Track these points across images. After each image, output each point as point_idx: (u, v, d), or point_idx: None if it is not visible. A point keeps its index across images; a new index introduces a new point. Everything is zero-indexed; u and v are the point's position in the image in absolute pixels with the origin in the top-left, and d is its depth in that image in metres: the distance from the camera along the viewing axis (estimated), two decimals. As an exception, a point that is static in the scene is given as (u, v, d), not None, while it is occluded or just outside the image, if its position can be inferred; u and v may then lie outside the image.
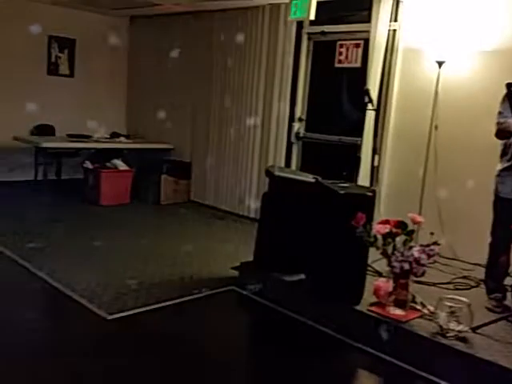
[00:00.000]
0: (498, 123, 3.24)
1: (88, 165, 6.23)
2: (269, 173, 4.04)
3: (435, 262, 4.10)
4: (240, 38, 6.08)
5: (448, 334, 2.87)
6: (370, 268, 3.79)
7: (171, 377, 2.74)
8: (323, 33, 5.57)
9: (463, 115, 4.43)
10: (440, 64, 4.44)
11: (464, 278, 3.97)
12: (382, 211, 4.86)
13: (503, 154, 3.37)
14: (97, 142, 6.53)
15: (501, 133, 3.24)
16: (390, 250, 3.19)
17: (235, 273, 4.04)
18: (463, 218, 4.42)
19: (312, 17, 5.20)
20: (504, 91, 3.16)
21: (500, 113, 3.24)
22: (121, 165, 6.31)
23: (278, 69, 5.76)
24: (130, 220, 5.75)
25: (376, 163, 4.96)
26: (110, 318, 3.24)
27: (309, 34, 5.70)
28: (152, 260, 4.42)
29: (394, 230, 3.22)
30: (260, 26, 5.90)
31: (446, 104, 4.52)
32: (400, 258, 3.10)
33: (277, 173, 3.95)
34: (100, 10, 7.05)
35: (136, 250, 4.68)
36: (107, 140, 6.78)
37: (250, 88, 6.03)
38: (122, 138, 6.84)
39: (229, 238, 5.22)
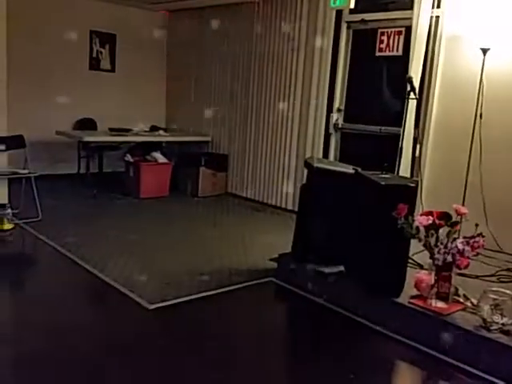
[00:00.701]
0: None
1: (129, 158, 6.36)
2: (308, 164, 4.01)
3: (479, 254, 4.01)
4: (279, 27, 6.07)
5: (492, 327, 2.80)
6: (410, 260, 3.73)
7: (213, 367, 2.78)
8: (363, 21, 5.48)
9: (509, 104, 4.28)
10: (484, 51, 4.30)
11: (508, 270, 3.86)
12: (424, 203, 4.77)
13: None
14: (137, 135, 6.65)
15: None
16: (432, 241, 3.12)
17: (274, 264, 4.05)
18: (508, 209, 4.29)
19: (352, 5, 5.15)
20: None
21: None
22: (160, 157, 6.42)
23: (316, 59, 5.71)
24: (169, 212, 5.84)
25: (417, 154, 4.86)
26: (151, 307, 3.31)
27: (348, 22, 5.61)
28: (191, 251, 4.49)
29: (438, 222, 3.15)
30: (299, 16, 5.86)
31: (491, 92, 4.37)
32: (443, 250, 3.04)
33: (316, 164, 3.92)
34: (139, 4, 7.15)
35: (175, 241, 4.76)
36: (147, 133, 6.89)
37: (289, 78, 6.01)
38: (161, 131, 6.94)
39: (267, 230, 5.23)
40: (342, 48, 5.67)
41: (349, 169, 3.82)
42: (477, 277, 3.66)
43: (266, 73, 6.27)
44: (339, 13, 5.56)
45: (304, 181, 4.23)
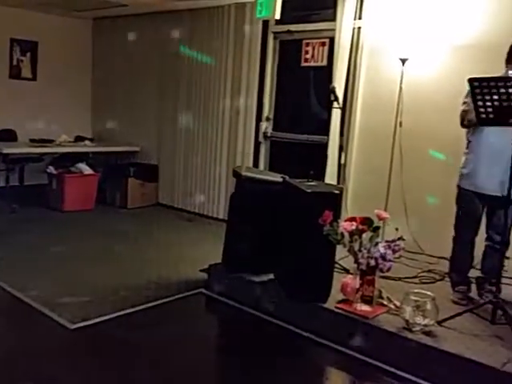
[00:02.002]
0: (462, 112, 3.31)
1: (51, 170, 6.09)
2: (236, 173, 4.01)
3: (401, 256, 4.16)
4: (206, 37, 6.05)
5: (414, 329, 2.89)
6: (337, 265, 3.80)
7: None
8: (289, 32, 5.58)
9: (427, 111, 4.48)
10: (403, 61, 4.49)
11: (429, 271, 4.02)
12: (349, 208, 4.90)
13: (467, 147, 3.42)
14: (60, 146, 6.38)
15: (463, 121, 3.31)
16: (356, 246, 3.19)
17: (205, 275, 4.00)
18: (428, 212, 4.48)
19: (277, 16, 5.20)
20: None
21: (464, 103, 3.30)
22: (85, 169, 6.20)
23: (244, 68, 5.74)
24: (94, 225, 5.64)
25: (343, 161, 4.99)
26: (73, 327, 3.16)
27: (275, 33, 5.69)
28: (117, 265, 4.35)
29: (361, 227, 3.23)
30: (226, 26, 5.87)
31: (410, 101, 4.56)
32: (366, 255, 3.12)
33: (244, 173, 3.92)
34: (63, 11, 6.90)
35: (100, 255, 4.59)
36: (71, 144, 6.64)
37: (218, 88, 5.99)
38: (87, 142, 6.71)
39: (198, 240, 5.17)
40: (270, 58, 5.73)
41: (277, 177, 3.86)
42: (400, 279, 3.79)
43: (194, 82, 6.23)
44: (266, 23, 5.63)
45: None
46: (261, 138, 5.80)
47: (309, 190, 3.32)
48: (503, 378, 2.53)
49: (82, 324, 3.19)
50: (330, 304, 3.26)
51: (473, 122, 3.19)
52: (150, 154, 6.77)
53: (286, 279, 3.49)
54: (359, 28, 4.90)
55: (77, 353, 2.95)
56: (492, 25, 4.11)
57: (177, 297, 3.74)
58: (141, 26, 6.73)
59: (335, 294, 3.33)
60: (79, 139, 6.91)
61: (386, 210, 4.57)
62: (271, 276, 3.62)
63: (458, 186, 3.45)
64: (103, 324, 3.24)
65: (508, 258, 3.16)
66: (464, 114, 3.30)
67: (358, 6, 4.89)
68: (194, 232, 5.57)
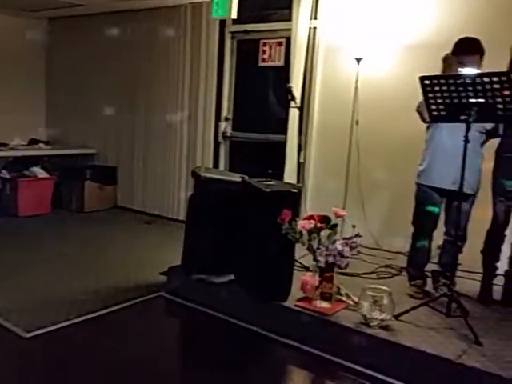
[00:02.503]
0: (418, 109, 3.39)
1: (4, 174, 5.90)
2: (195, 174, 3.98)
3: (359, 253, 4.23)
4: (163, 37, 5.98)
5: (371, 323, 2.94)
6: (298, 263, 3.83)
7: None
8: (246, 32, 5.58)
9: (382, 110, 4.57)
10: (358, 60, 4.56)
11: (387, 266, 4.10)
12: (308, 207, 4.94)
13: (428, 142, 3.50)
14: (13, 149, 6.19)
15: (422, 118, 3.37)
16: (315, 244, 3.22)
17: (164, 278, 3.95)
18: (385, 209, 4.57)
19: (234, 16, 5.20)
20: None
21: (420, 101, 3.36)
22: (40, 172, 6.03)
23: (202, 68, 5.70)
24: (50, 230, 5.49)
25: (302, 160, 5.03)
26: (28, 335, 3.06)
27: (232, 32, 5.69)
28: (75, 270, 4.24)
29: (319, 225, 3.26)
30: (183, 26, 5.82)
31: (365, 99, 4.64)
32: (324, 252, 3.15)
33: (202, 173, 3.90)
34: (15, 11, 6.68)
35: (56, 260, 4.46)
36: (25, 147, 6.44)
37: (175, 89, 5.93)
38: (41, 145, 6.53)
39: (158, 243, 5.11)
40: (227, 58, 5.72)
41: (236, 177, 3.84)
42: (358, 275, 3.84)
43: (152, 82, 6.15)
44: (223, 23, 5.62)
45: (193, 191, 4.19)
46: (220, 139, 5.78)
47: (267, 190, 3.33)
48: (459, 369, 2.59)
49: (37, 332, 3.09)
50: (290, 302, 3.28)
51: (426, 119, 3.28)
52: (107, 156, 6.65)
53: (246, 279, 3.48)
54: (315, 28, 4.95)
55: (31, 362, 2.86)
56: (440, 24, 4.22)
57: (136, 301, 3.67)
58: (97, 25, 6.58)
59: (295, 293, 3.35)
60: (33, 142, 6.72)
61: (344, 207, 4.65)
62: (231, 276, 3.61)
63: (416, 183, 3.53)
64: (60, 331, 3.15)
65: (462, 252, 3.25)
66: (419, 110, 3.38)
67: (314, 6, 4.93)
68: (153, 235, 5.50)
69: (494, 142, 3.41)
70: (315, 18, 4.94)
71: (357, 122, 4.67)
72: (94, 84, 6.69)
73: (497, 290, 3.48)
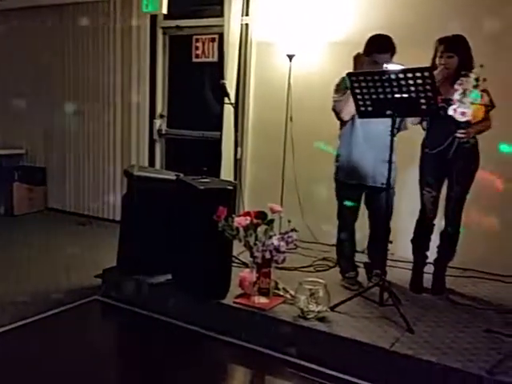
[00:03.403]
0: (334, 108, 3.49)
1: None
2: (127, 173, 3.89)
3: (297, 247, 4.30)
4: (92, 32, 5.79)
5: (308, 316, 2.99)
6: (237, 260, 3.83)
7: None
8: (178, 27, 5.50)
9: (314, 106, 4.62)
10: (290, 57, 4.60)
11: (323, 259, 4.17)
12: (246, 203, 4.95)
13: (342, 138, 3.59)
14: None
15: (338, 116, 3.47)
16: (252, 241, 3.23)
17: (99, 281, 3.83)
18: (320, 203, 4.64)
19: (164, 11, 5.12)
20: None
21: (335, 100, 3.47)
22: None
23: (134, 64, 5.56)
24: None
25: (238, 156, 5.03)
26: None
27: (164, 28, 5.59)
28: (5, 277, 4.03)
29: (255, 221, 3.27)
30: (112, 20, 5.64)
31: (299, 96, 4.69)
32: (261, 248, 3.16)
33: (136, 172, 3.81)
34: None
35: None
36: None
37: (107, 85, 5.76)
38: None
39: (93, 245, 4.94)
40: (160, 54, 5.62)
41: (171, 175, 3.79)
42: (296, 269, 3.89)
43: (81, 79, 5.93)
44: (154, 18, 5.50)
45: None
46: (155, 136, 5.67)
47: (202, 187, 3.30)
48: (392, 357, 2.68)
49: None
50: (229, 300, 3.27)
51: (345, 117, 3.39)
52: (36, 156, 6.36)
53: (183, 278, 3.44)
54: (247, 24, 4.94)
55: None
56: (362, 22, 4.31)
57: (70, 306, 3.55)
58: (22, 19, 6.26)
59: (234, 290, 3.35)
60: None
61: (281, 202, 4.70)
62: (169, 276, 3.56)
63: (335, 179, 3.62)
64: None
65: (391, 241, 3.36)
66: (335, 109, 3.47)
67: (245, 3, 4.92)
68: (87, 236, 5.32)
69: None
70: (247, 15, 4.93)
71: (291, 118, 4.72)
72: (21, 83, 6.36)
73: (427, 278, 3.63)
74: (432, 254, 3.62)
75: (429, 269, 3.64)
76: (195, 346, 3.15)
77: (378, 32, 3.37)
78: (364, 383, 2.67)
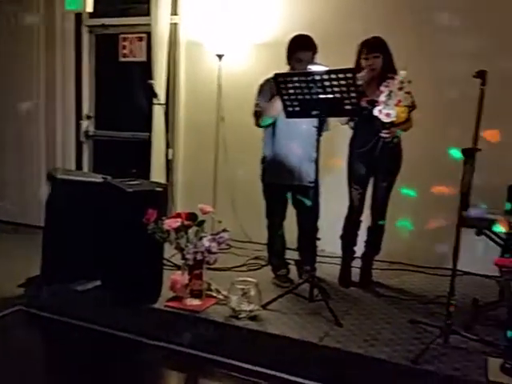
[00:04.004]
0: (256, 112, 3.50)
1: None
2: (50, 176, 3.72)
3: (231, 247, 4.31)
4: (15, 30, 5.50)
5: (240, 316, 3.00)
6: (169, 263, 3.78)
7: None
8: (104, 26, 5.35)
9: (245, 106, 4.63)
10: (220, 57, 4.60)
11: (256, 258, 4.20)
12: (179, 205, 4.90)
13: (266, 139, 3.63)
14: None
15: (256, 120, 3.52)
16: (183, 243, 3.20)
17: (23, 291, 3.65)
18: (252, 202, 4.66)
19: (89, 9, 4.97)
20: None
21: (257, 104, 3.51)
22: None
23: (58, 64, 5.33)
24: None
25: (170, 157, 4.96)
26: None
27: (89, 26, 5.42)
28: None
29: (186, 223, 3.24)
30: (36, 18, 5.39)
31: (229, 96, 4.70)
32: (192, 250, 3.14)
33: (59, 176, 3.66)
34: None
35: None
36: None
37: (30, 85, 5.49)
38: None
39: (14, 253, 4.67)
40: (86, 53, 5.44)
41: (98, 178, 3.67)
42: (229, 269, 3.90)
43: (4, 78, 5.63)
44: (79, 17, 5.32)
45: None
46: (82, 138, 5.49)
47: (130, 190, 3.23)
48: (322, 350, 2.74)
49: None
50: (161, 303, 3.23)
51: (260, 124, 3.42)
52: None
53: (113, 284, 3.35)
54: (176, 24, 4.89)
55: None
56: (288, 24, 4.37)
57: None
58: None
59: (166, 293, 3.30)
60: None
61: (214, 203, 4.69)
62: (97, 283, 3.45)
63: (262, 180, 3.67)
64: None
65: (319, 238, 3.43)
66: (257, 114, 3.50)
67: (173, 2, 4.86)
68: (9, 244, 5.04)
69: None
70: (175, 14, 4.88)
71: (222, 119, 4.72)
72: None
73: (356, 272, 3.75)
74: (359, 248, 3.75)
75: (357, 263, 3.76)
76: (126, 354, 3.07)
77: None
78: (296, 379, 2.71)
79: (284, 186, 3.56)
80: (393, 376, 2.53)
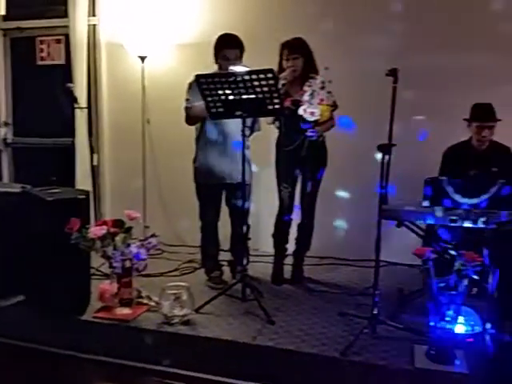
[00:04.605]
0: (186, 108, 3.45)
1: None
2: (-39, 188, 3.50)
3: (163, 251, 4.25)
4: None
5: (173, 321, 2.95)
6: (98, 272, 3.67)
7: None
8: (20, 29, 5.10)
9: (170, 107, 4.57)
10: (142, 59, 4.51)
11: (189, 262, 4.15)
12: (108, 212, 4.77)
13: (197, 140, 3.61)
14: None
15: (189, 118, 3.47)
16: (110, 251, 3.11)
17: None
18: (185, 204, 4.61)
19: (1, 11, 4.74)
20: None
21: (187, 100, 3.46)
22: None
23: (-30, 69, 5.06)
24: None
25: (95, 163, 4.81)
26: None
27: (3, 30, 5.15)
28: None
29: (112, 230, 3.14)
30: None
31: (154, 97, 4.63)
32: (120, 257, 3.06)
33: (-29, 187, 3.45)
34: None
35: None
36: None
37: None
38: None
39: None
40: (0, 58, 5.17)
41: (16, 188, 3.49)
42: (162, 274, 3.83)
43: None
44: (-9, 19, 5.06)
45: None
46: (1, 146, 5.21)
47: (50, 198, 3.09)
48: (254, 350, 2.74)
49: None
50: (89, 315, 3.12)
51: (198, 117, 3.41)
52: None
53: (37, 298, 3.20)
54: (95, 25, 4.75)
55: None
56: (210, 24, 4.37)
57: None
58: None
59: (95, 304, 3.20)
60: None
61: (144, 207, 4.60)
62: (21, 297, 3.29)
63: (195, 181, 3.64)
64: None
65: (250, 238, 3.44)
66: (188, 110, 3.47)
67: (91, 3, 4.72)
68: None
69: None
70: (93, 15, 4.74)
71: (148, 121, 4.64)
72: None
73: (288, 269, 3.79)
74: (291, 246, 3.80)
75: (290, 260, 3.81)
76: (54, 369, 2.94)
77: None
78: (232, 381, 2.70)
79: (216, 185, 3.55)
80: (323, 369, 2.57)
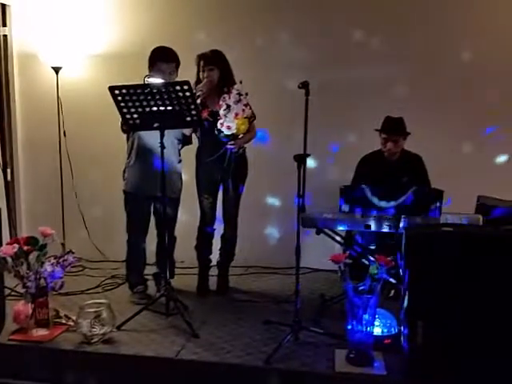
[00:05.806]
0: None
1: None
2: None
3: (84, 268, 4.11)
4: None
5: (93, 340, 2.85)
6: (14, 293, 3.47)
7: None
8: None
9: (88, 118, 4.48)
10: (56, 70, 4.37)
11: (113, 277, 4.04)
12: (24, 230, 4.55)
13: (129, 150, 3.54)
14: None
15: (121, 126, 3.40)
16: (23, 270, 2.96)
17: None
18: (106, 218, 4.50)
19: None
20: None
21: None
22: None
23: None
24: None
25: (9, 179, 4.58)
26: None
27: None
28: None
29: (25, 248, 3.00)
30: None
31: (70, 109, 4.49)
32: (33, 277, 2.92)
33: None
34: None
35: None
36: None
37: None
38: None
39: None
40: None
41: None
42: (82, 292, 3.70)
43: None
44: None
45: None
46: None
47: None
48: (178, 365, 2.69)
49: None
50: (4, 337, 2.95)
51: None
52: None
53: None
54: (5, 36, 4.54)
55: None
56: (126, 35, 4.34)
57: None
58: None
59: (10, 326, 3.03)
60: None
61: (63, 223, 4.44)
62: None
63: (124, 191, 3.55)
64: None
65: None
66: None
67: (1, 12, 4.51)
68: None
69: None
70: (4, 26, 4.53)
71: (64, 134, 4.48)
72: None
73: (213, 281, 3.78)
74: (215, 256, 3.79)
75: (215, 271, 3.80)
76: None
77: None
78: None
79: (146, 197, 3.48)
80: (246, 379, 2.58)
